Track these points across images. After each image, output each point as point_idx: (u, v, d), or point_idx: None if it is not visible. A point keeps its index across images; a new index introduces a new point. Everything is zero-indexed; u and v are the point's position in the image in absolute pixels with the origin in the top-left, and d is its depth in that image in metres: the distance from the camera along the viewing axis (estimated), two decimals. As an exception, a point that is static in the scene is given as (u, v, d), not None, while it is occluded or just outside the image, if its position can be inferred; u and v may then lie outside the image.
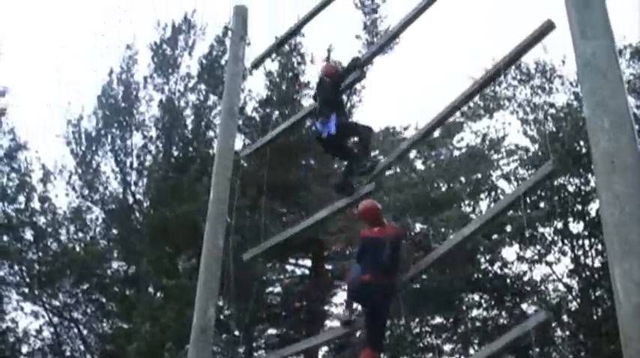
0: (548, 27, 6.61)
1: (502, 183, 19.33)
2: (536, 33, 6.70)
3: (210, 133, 20.76)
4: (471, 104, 19.61)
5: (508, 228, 17.60)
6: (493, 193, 19.30)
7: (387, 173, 18.04)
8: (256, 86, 27.54)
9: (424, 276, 15.89)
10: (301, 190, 19.18)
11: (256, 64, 10.38)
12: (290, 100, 20.37)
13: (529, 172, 18.20)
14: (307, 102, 18.71)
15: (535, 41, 6.83)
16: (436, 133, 19.38)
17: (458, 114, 17.83)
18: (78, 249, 20.32)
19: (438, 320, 19.11)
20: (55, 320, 20.73)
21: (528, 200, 16.91)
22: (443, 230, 17.07)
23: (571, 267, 18.03)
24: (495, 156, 20.34)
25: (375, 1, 20.03)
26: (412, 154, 20.26)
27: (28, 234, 20.44)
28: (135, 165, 21.30)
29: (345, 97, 14.98)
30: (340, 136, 7.94)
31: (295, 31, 9.99)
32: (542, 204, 17.87)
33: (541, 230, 18.04)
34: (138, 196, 21.12)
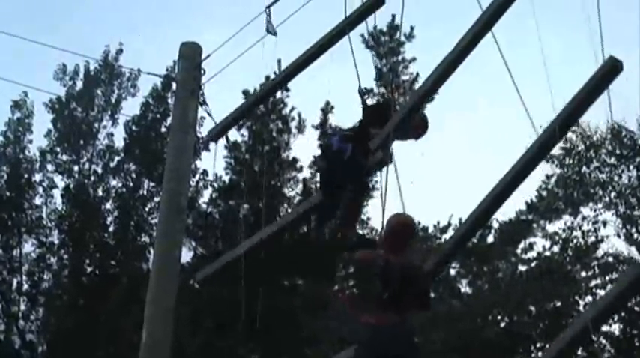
0: (612, 67, 5.43)
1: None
2: (598, 74, 5.49)
3: (144, 238, 19.21)
4: (544, 193, 18.18)
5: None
6: (581, 332, 16.10)
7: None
8: (215, 166, 25.41)
9: None
10: (288, 325, 16.61)
11: (217, 135, 8.64)
12: (266, 188, 18.04)
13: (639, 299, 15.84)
14: (292, 190, 18.36)
15: (600, 85, 5.52)
16: (490, 238, 18.03)
17: (524, 206, 17.32)
18: None
19: None
20: None
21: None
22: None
23: None
24: (583, 274, 17.74)
25: (395, 37, 17.52)
26: (452, 270, 18.17)
27: None
28: (25, 287, 19.55)
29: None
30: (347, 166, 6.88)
31: (278, 85, 9.02)
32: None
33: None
34: (29, 336, 19.26)
